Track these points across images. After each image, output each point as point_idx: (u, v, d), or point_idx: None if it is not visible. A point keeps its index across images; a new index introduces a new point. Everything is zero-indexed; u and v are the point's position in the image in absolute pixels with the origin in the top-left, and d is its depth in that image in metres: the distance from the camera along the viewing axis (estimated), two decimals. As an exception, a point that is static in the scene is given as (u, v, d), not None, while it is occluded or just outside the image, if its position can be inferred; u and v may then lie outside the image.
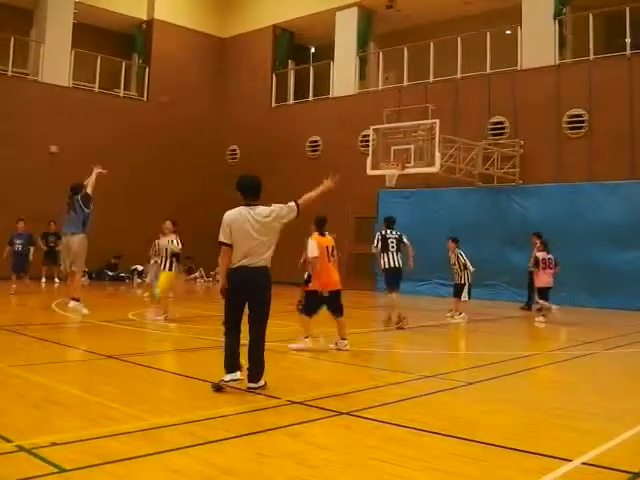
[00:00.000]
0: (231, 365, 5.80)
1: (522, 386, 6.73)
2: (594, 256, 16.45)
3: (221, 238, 5.87)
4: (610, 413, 5.62)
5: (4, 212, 19.98)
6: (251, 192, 5.99)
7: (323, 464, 3.96)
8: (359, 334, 11.01)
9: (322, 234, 8.73)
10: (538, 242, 13.57)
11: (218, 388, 5.76)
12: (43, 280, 18.79)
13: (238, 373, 5.80)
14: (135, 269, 22.41)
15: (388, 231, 11.79)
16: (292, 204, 6.02)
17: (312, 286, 8.63)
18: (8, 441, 4.15)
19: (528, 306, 15.29)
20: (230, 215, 5.93)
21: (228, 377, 5.78)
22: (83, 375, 6.66)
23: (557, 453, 4.26)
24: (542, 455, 4.23)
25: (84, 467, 3.74)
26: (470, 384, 6.54)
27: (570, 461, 4.11)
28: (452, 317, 13.05)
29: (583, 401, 6.11)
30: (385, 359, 8.81)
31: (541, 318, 12.96)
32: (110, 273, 22.04)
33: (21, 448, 4.02)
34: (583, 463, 4.10)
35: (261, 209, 5.92)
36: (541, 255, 13.19)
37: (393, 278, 11.76)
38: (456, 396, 6.10)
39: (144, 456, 3.99)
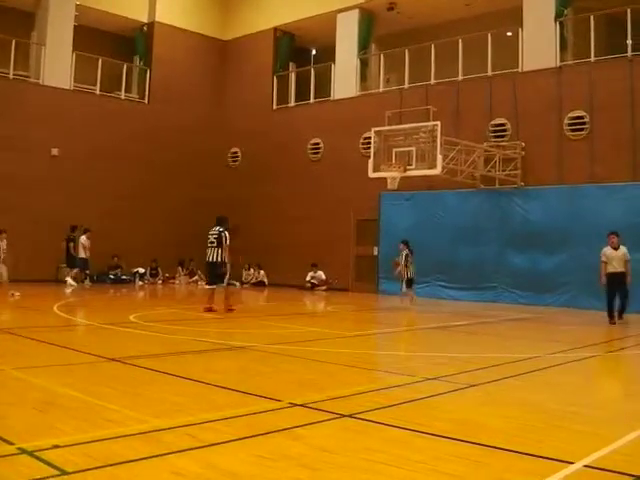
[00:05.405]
0: None
1: (524, 388, 6.72)
2: (596, 258, 16.38)
3: None
4: (613, 415, 5.61)
5: (6, 216, 20.03)
6: None
7: (325, 467, 3.96)
8: (361, 336, 11.03)
9: None
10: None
11: None
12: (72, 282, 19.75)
13: None
14: (137, 271, 22.44)
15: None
16: None
17: None
18: (10, 443, 4.14)
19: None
20: None
21: None
22: (85, 378, 6.65)
23: (559, 455, 4.25)
24: (544, 457, 4.23)
25: (86, 470, 3.73)
26: (472, 386, 6.54)
27: (572, 464, 4.10)
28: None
29: (585, 403, 6.10)
30: (387, 361, 8.80)
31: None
32: (112, 276, 22.01)
33: (23, 451, 4.02)
34: (585, 466, 4.09)
35: None
36: None
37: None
38: (458, 398, 6.09)
39: (146, 458, 3.98)
